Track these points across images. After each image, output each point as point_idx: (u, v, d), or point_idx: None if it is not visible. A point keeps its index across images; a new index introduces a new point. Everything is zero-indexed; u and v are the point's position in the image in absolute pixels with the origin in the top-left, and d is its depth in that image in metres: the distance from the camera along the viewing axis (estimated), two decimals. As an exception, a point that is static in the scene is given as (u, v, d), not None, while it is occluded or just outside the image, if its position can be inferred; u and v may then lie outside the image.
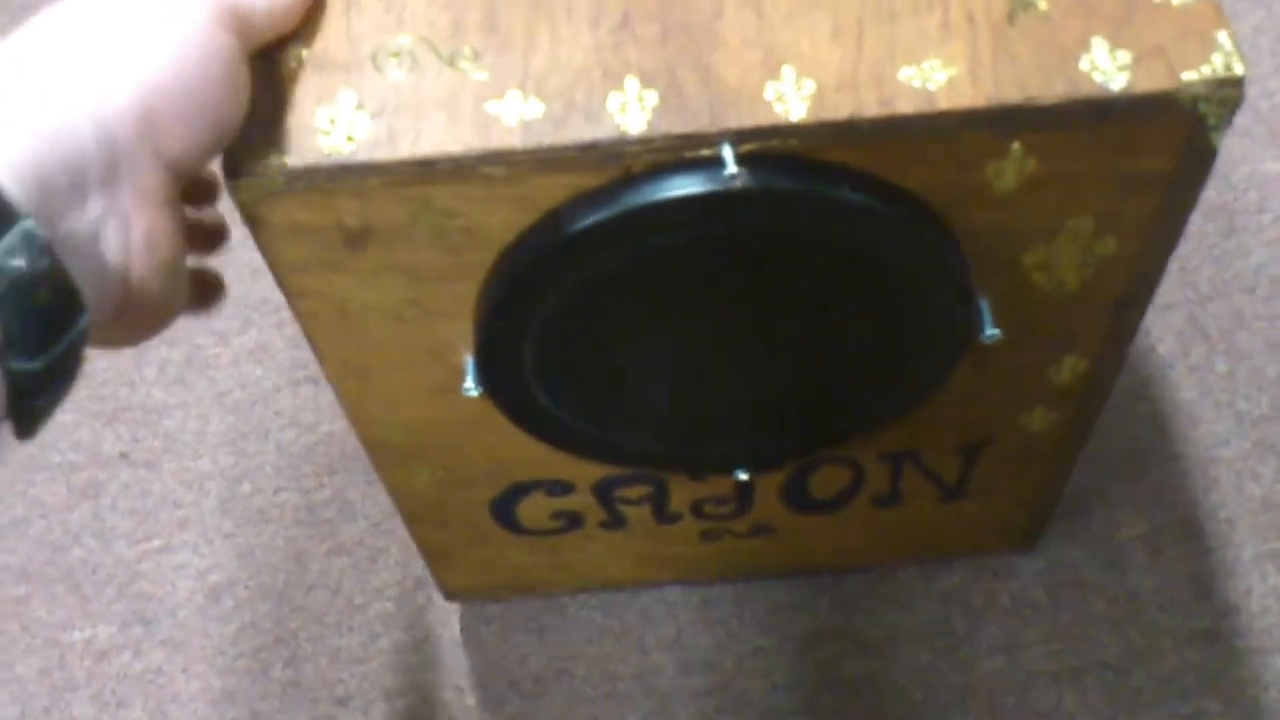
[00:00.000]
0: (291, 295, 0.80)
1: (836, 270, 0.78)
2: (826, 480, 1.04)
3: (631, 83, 0.72)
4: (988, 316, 0.81)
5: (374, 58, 0.74)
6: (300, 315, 0.82)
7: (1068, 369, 0.91)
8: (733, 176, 0.69)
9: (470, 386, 0.84)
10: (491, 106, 0.71)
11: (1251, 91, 0.69)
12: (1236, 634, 1.18)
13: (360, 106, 0.72)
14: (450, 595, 1.23)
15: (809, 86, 0.71)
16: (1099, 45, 0.71)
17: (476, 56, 0.73)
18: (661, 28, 0.74)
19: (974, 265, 0.79)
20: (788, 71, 0.72)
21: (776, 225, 0.73)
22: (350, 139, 0.71)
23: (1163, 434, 1.28)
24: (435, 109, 0.71)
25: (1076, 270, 0.81)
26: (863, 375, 0.87)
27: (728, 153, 0.70)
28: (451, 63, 0.73)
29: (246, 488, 1.33)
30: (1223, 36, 0.71)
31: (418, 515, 1.07)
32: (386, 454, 0.98)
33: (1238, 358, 1.32)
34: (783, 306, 0.81)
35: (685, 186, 0.70)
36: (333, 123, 0.71)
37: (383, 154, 0.70)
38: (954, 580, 1.23)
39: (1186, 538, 1.23)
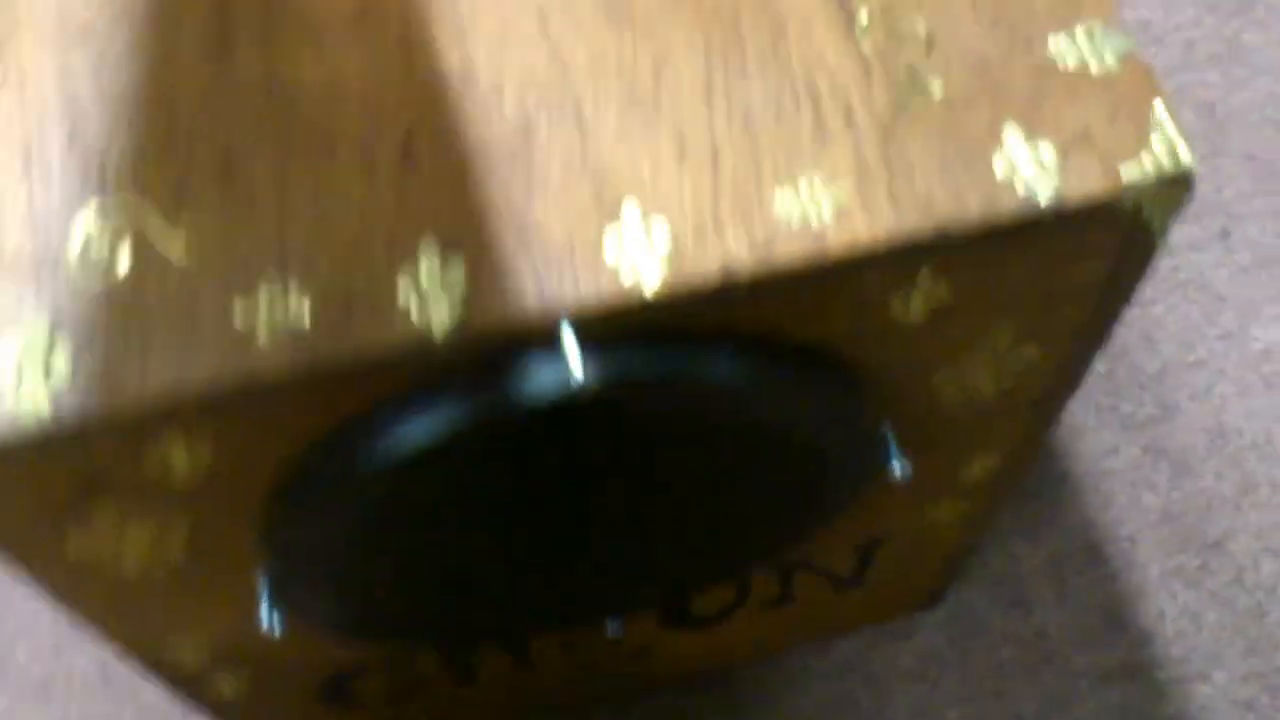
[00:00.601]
0: (15, 561, 0.61)
1: (716, 443, 0.62)
2: (710, 599, 0.90)
3: (428, 250, 0.54)
4: (895, 450, 0.66)
5: (69, 247, 0.54)
6: (33, 579, 0.63)
7: (978, 467, 0.78)
8: (577, 379, 0.52)
9: (267, 618, 0.66)
10: (241, 310, 0.53)
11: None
12: (1155, 664, 1.08)
13: (56, 335, 0.53)
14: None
15: (660, 232, 0.54)
16: (1013, 136, 0.56)
17: (214, 232, 0.55)
18: (456, 159, 0.57)
19: (878, 392, 0.64)
20: (630, 211, 0.55)
21: (637, 416, 0.57)
22: (48, 388, 0.52)
23: (1048, 449, 1.17)
24: (164, 323, 0.53)
25: (993, 380, 0.68)
26: (750, 527, 0.73)
27: (567, 341, 0.53)
28: (180, 244, 0.54)
29: (22, 654, 1.11)
30: (1159, 110, 0.57)
31: (232, 716, 0.89)
32: (178, 675, 0.79)
33: (1114, 355, 1.22)
34: (651, 483, 0.65)
35: (513, 395, 0.53)
36: (21, 368, 0.52)
37: (98, 404, 0.51)
38: (851, 648, 1.10)
39: (1089, 562, 1.13)
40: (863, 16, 0.60)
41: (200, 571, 0.66)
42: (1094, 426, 1.18)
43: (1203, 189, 1.31)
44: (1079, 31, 0.59)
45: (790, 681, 1.09)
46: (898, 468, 0.66)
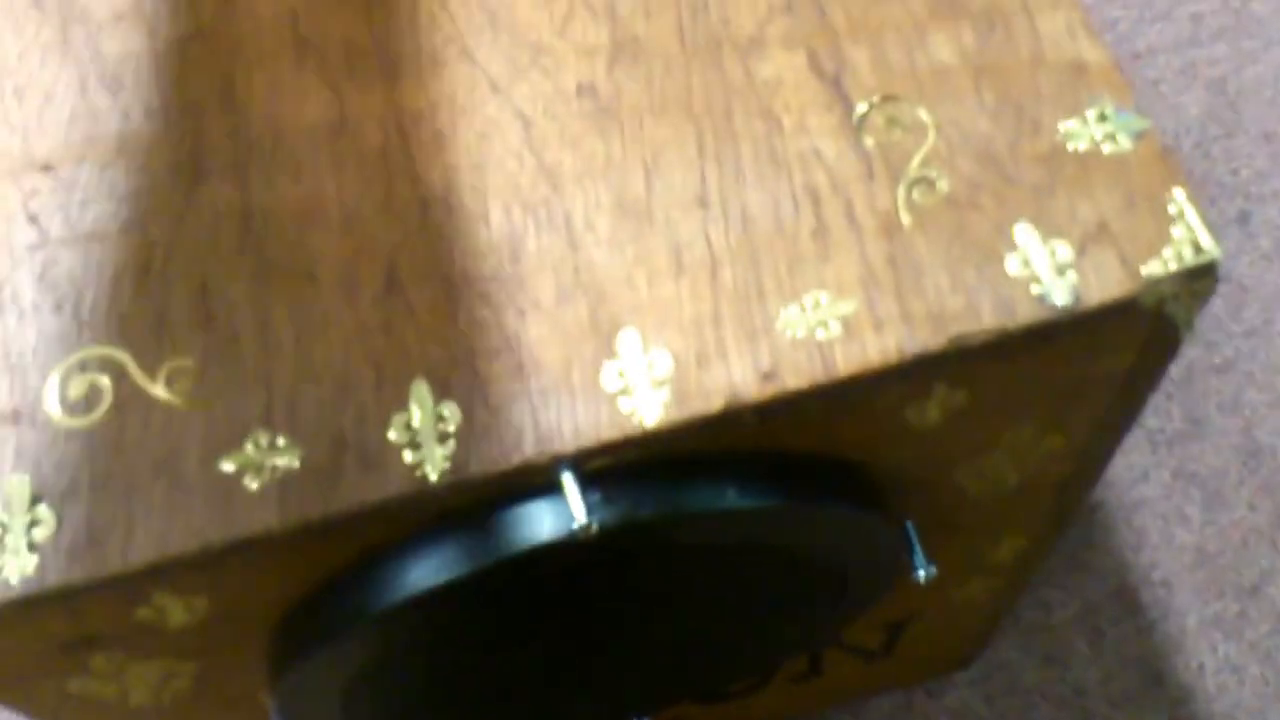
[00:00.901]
0: (14, 705, 0.59)
1: (727, 563, 0.60)
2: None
3: (418, 389, 0.52)
4: (919, 554, 0.63)
5: (46, 396, 0.52)
6: (35, 717, 0.61)
7: (1006, 548, 0.75)
8: (580, 522, 0.50)
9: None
10: (228, 461, 0.51)
11: None
12: (1198, 721, 1.05)
13: (38, 492, 0.50)
14: None
15: (662, 363, 0.52)
16: (1026, 234, 0.54)
17: (196, 375, 0.52)
18: (443, 284, 0.54)
19: (897, 490, 0.62)
20: (629, 339, 0.52)
21: (644, 545, 0.55)
22: (32, 547, 0.50)
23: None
24: (148, 478, 0.50)
25: (1016, 471, 0.65)
26: (772, 633, 0.70)
27: (570, 486, 0.50)
28: (162, 389, 0.52)
29: None
30: (1180, 197, 0.54)
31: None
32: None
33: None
34: (665, 603, 0.63)
35: (516, 539, 0.51)
36: (3, 526, 0.50)
37: (83, 569, 0.49)
38: (885, 708, 1.07)
39: (1125, 612, 1.10)
40: (861, 106, 0.57)
41: (211, 699, 0.64)
42: (1121, 448, 1.14)
43: (1218, 171, 1.27)
44: (1090, 113, 0.56)
45: (822, 747, 1.06)
46: (922, 574, 0.63)
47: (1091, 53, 0.57)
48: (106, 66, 0.59)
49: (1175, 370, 1.19)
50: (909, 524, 0.63)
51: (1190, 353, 1.20)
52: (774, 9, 0.60)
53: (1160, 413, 1.18)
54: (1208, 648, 1.08)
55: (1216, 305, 1.21)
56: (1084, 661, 1.08)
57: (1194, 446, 1.16)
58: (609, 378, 0.51)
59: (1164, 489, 1.15)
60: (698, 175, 0.56)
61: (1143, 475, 1.16)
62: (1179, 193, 0.54)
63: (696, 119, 0.57)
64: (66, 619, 0.51)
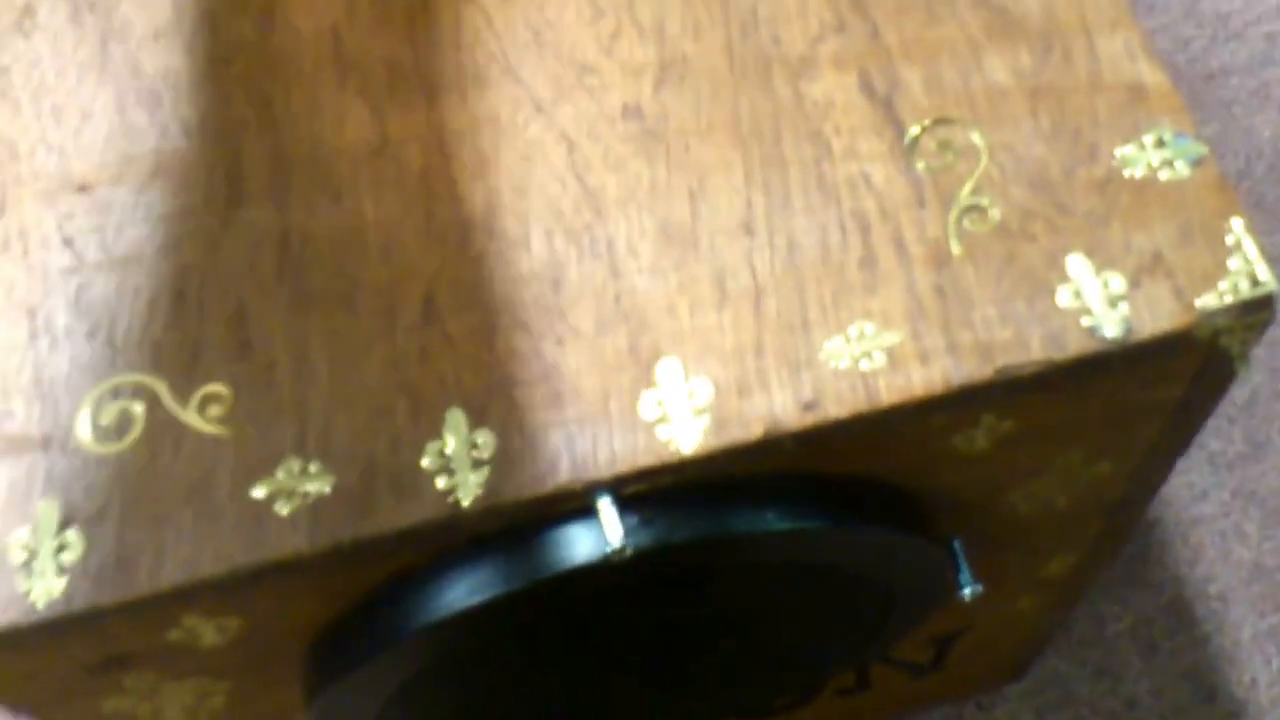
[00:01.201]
0: (46, 721, 0.59)
1: (767, 582, 0.59)
2: (778, 694, 0.86)
3: (453, 416, 0.51)
4: (966, 572, 0.62)
5: (78, 421, 0.52)
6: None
7: (1058, 564, 0.74)
8: (615, 546, 0.49)
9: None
10: (259, 486, 0.50)
11: None
12: (1251, 739, 1.03)
13: (68, 515, 0.50)
14: None
15: (702, 391, 0.51)
16: (1078, 265, 0.52)
17: (230, 402, 0.52)
18: (482, 312, 0.53)
19: (945, 509, 0.60)
20: (669, 368, 0.51)
21: (685, 571, 0.54)
22: (61, 571, 0.49)
23: (1133, 500, 1.12)
24: (180, 503, 0.50)
25: (1066, 494, 0.63)
26: (816, 651, 0.69)
27: (606, 512, 0.49)
28: (195, 416, 0.52)
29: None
30: (1237, 228, 0.52)
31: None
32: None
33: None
34: (705, 620, 0.62)
35: (550, 562, 0.50)
36: (32, 549, 0.50)
37: (111, 592, 0.49)
38: (932, 720, 1.06)
39: (1179, 625, 1.07)
40: (913, 129, 0.56)
41: (246, 718, 0.64)
42: (1182, 468, 1.12)
43: (1289, 196, 1.24)
44: (1147, 139, 0.54)
45: (866, 760, 1.05)
46: (968, 592, 0.61)
47: (1151, 75, 0.55)
48: (145, 84, 0.58)
49: (1238, 394, 1.17)
50: (956, 542, 0.62)
51: (1254, 378, 1.17)
52: (826, 27, 0.58)
53: (1222, 435, 1.15)
54: (1262, 662, 1.05)
55: (1280, 332, 1.18)
56: (1136, 675, 1.06)
57: (1254, 468, 1.14)
58: (648, 406, 0.50)
59: (1222, 507, 1.13)
60: (744, 201, 0.55)
61: (1201, 494, 1.13)
62: (1237, 223, 0.52)
63: (744, 142, 0.56)
64: (95, 641, 0.51)
